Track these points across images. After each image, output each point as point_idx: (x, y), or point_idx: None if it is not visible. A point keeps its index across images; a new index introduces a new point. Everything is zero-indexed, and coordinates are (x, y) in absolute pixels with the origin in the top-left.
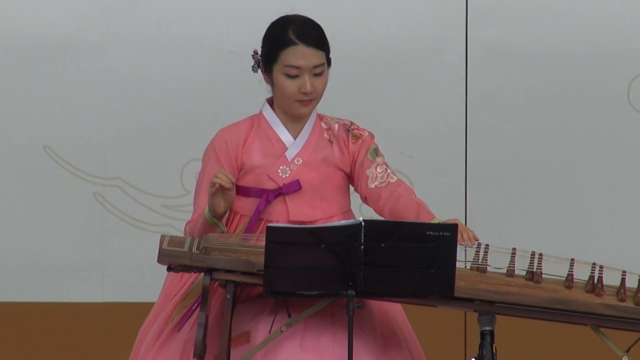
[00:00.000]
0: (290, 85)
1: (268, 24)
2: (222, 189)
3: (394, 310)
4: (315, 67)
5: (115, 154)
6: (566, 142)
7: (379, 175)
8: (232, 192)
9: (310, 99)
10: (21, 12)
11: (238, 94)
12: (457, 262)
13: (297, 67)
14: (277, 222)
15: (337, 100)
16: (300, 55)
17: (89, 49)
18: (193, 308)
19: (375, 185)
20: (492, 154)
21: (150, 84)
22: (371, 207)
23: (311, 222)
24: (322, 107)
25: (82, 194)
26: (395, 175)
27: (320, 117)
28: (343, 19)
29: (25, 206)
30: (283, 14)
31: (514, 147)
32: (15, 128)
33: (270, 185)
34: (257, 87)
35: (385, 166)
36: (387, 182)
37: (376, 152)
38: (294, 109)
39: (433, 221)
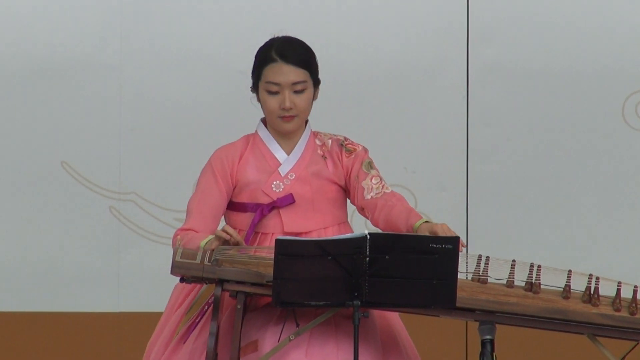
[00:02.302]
0: (271, 101)
1: None
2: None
3: (392, 316)
4: (295, 84)
5: (130, 170)
6: (564, 157)
7: (374, 186)
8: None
9: (292, 115)
10: (40, 33)
11: (247, 112)
12: (459, 274)
13: (276, 84)
14: (273, 234)
15: (339, 116)
16: (278, 72)
17: (105, 69)
18: (197, 320)
19: (372, 197)
20: (493, 170)
21: (164, 102)
22: (367, 217)
23: (305, 233)
24: (324, 122)
25: (98, 208)
26: (389, 187)
27: (315, 134)
28: (345, 38)
29: (44, 220)
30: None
31: (513, 163)
32: (35, 145)
33: (264, 200)
34: None
35: (379, 178)
36: (382, 192)
37: (370, 165)
38: (277, 126)
39: (419, 222)
